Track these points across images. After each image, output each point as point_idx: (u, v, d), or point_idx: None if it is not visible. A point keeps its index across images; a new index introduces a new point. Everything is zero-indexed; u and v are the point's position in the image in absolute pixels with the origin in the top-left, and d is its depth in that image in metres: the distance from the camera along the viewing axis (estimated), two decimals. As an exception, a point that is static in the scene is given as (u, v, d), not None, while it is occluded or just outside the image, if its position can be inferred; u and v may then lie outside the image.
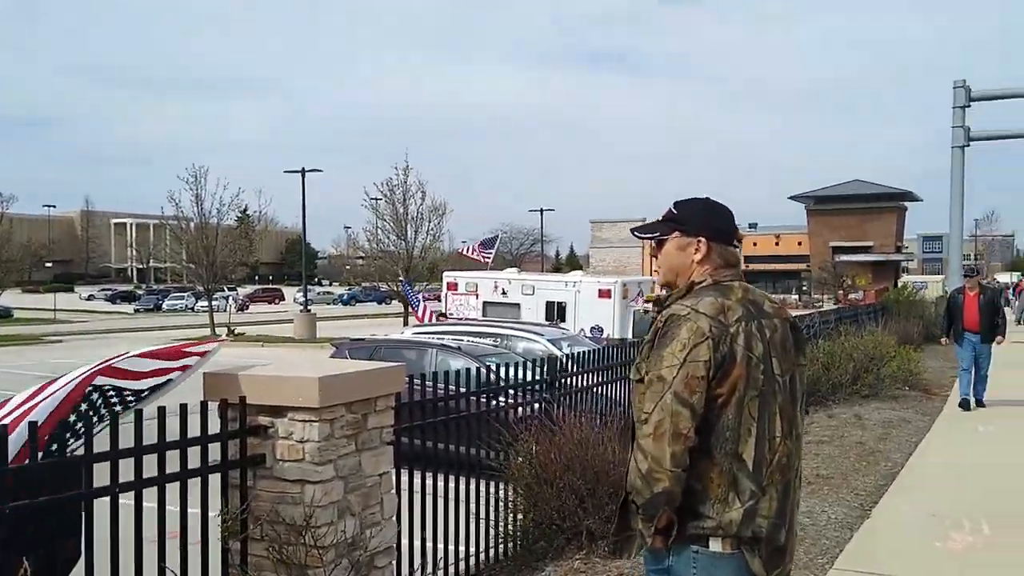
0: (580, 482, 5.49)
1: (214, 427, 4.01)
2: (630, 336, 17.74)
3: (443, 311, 21.24)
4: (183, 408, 4.02)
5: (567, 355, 7.50)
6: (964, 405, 11.97)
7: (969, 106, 28.01)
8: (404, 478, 5.10)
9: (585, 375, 7.41)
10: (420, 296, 19.08)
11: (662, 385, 2.34)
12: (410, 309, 18.79)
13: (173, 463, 3.83)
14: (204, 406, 4.04)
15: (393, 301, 43.17)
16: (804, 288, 68.62)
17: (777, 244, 72.70)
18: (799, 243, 70.44)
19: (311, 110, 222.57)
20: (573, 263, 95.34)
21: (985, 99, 28.14)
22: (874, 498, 7.23)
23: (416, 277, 32.56)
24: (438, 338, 12.93)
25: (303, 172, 39.38)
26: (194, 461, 3.94)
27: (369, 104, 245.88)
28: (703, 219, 2.58)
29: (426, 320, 16.76)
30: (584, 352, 7.62)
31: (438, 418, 5.64)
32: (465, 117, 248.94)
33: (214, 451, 4.01)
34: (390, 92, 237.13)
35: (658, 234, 2.64)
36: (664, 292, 2.65)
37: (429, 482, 5.49)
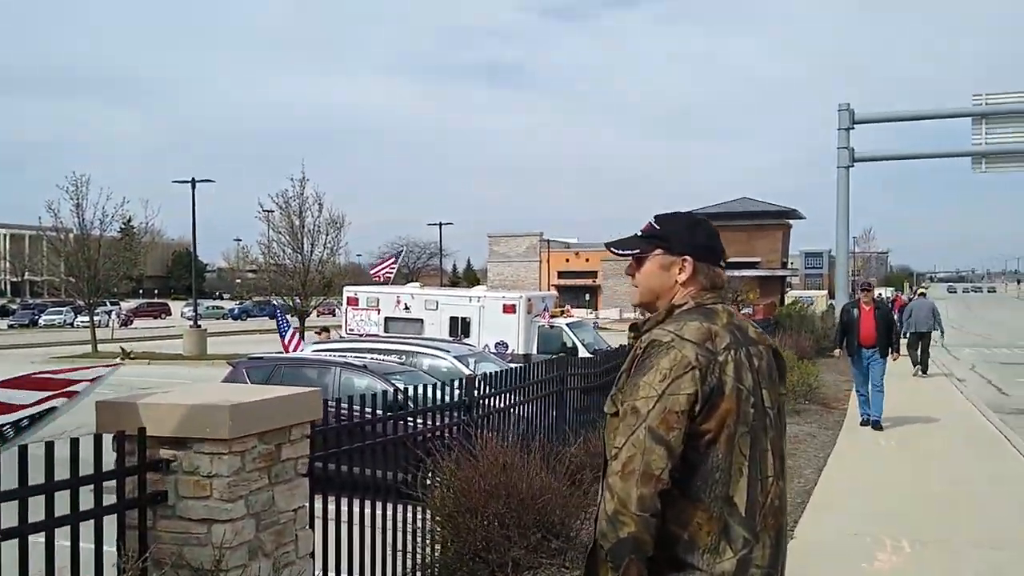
0: (505, 510, 5.22)
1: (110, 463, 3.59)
2: (535, 352, 17.60)
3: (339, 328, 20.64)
4: (74, 443, 3.58)
5: (486, 375, 7.23)
6: (866, 424, 12.11)
7: (853, 128, 29.06)
8: (317, 504, 4.77)
9: (505, 395, 7.15)
10: (288, 322, 18.06)
11: (635, 418, 2.10)
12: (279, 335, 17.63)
13: (64, 504, 3.40)
14: (98, 439, 3.61)
15: (287, 315, 42.09)
16: (696, 302, 70.11)
17: (670, 259, 74.13)
18: (691, 258, 71.99)
19: (202, 119, 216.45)
20: (470, 277, 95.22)
21: (868, 122, 29.23)
22: (794, 516, 7.20)
23: (312, 292, 31.71)
24: (340, 355, 12.47)
25: (193, 182, 38.01)
26: (89, 501, 3.51)
27: (262, 115, 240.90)
28: (688, 236, 2.34)
29: (292, 350, 15.67)
30: (503, 371, 7.36)
31: (354, 445, 5.29)
32: (359, 128, 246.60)
33: (111, 489, 3.58)
34: (282, 104, 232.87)
35: (638, 251, 2.39)
36: (640, 315, 2.40)
37: (344, 508, 5.17)
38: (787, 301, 42.10)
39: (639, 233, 2.42)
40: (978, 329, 42.59)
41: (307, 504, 4.36)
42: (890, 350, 12.40)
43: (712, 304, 2.30)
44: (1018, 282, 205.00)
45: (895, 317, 15.55)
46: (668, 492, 2.09)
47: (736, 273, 66.01)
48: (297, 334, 18.36)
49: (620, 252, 2.42)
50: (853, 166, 28.72)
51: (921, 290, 28.68)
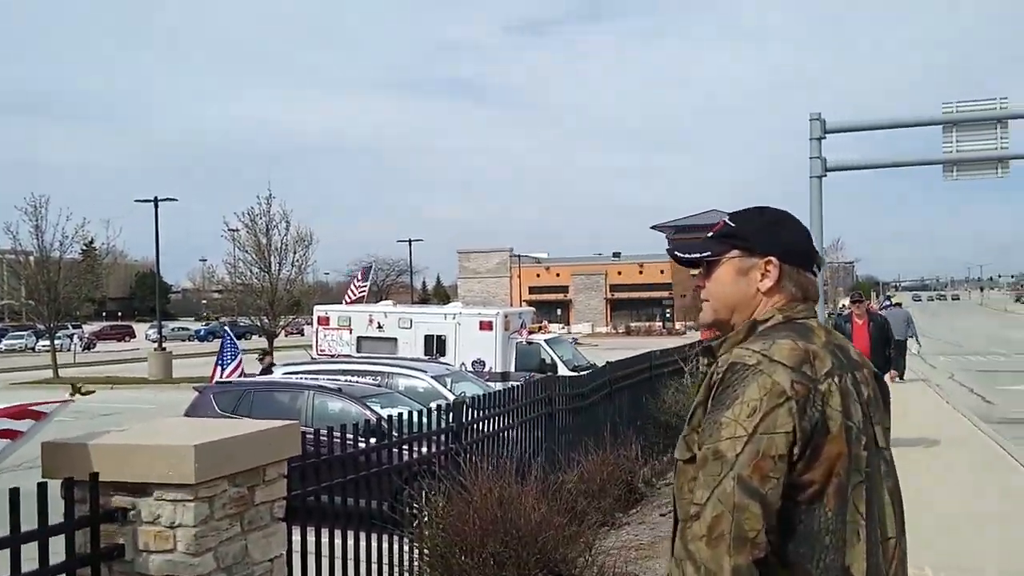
0: (502, 548, 4.76)
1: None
2: (513, 370, 17.15)
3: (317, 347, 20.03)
4: (13, 493, 3.07)
5: (474, 398, 6.77)
6: None
7: (824, 137, 28.98)
8: (295, 536, 4.34)
9: (494, 419, 6.69)
10: (238, 348, 16.89)
11: (720, 465, 1.64)
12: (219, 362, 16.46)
13: (3, 565, 2.92)
14: (42, 488, 3.11)
15: (254, 336, 41.25)
16: (668, 315, 70.17)
17: (641, 272, 74.13)
18: (661, 271, 72.01)
19: (166, 137, 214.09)
20: (440, 294, 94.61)
21: (840, 131, 29.14)
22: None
23: (280, 311, 31.02)
24: (312, 378, 11.95)
25: (156, 201, 37.17)
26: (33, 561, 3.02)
27: (228, 133, 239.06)
28: (772, 234, 1.89)
29: (228, 376, 14.65)
30: (491, 393, 6.91)
31: (335, 481, 4.82)
32: (328, 145, 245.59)
33: (58, 544, 3.10)
34: (249, 121, 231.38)
35: (708, 254, 1.93)
36: (711, 337, 1.94)
37: (325, 539, 4.74)
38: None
39: (710, 234, 1.97)
40: (948, 337, 42.73)
41: (284, 552, 3.89)
42: (888, 368, 11.79)
43: (805, 318, 1.85)
44: (981, 289, 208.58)
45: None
46: (764, 561, 1.63)
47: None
48: (241, 364, 17.16)
49: (687, 258, 1.95)
50: (826, 176, 28.59)
51: (896, 300, 28.59)
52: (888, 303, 31.17)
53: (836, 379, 1.72)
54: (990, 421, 14.15)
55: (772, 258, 1.86)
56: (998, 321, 72.20)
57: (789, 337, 1.76)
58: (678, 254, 1.98)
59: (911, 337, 20.96)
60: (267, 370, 15.80)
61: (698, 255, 1.93)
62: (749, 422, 1.64)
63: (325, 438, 4.85)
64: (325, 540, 4.84)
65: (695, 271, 1.97)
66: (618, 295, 73.86)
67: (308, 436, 4.62)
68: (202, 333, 72.42)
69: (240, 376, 15.75)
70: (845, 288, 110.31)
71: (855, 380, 1.76)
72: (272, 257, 30.48)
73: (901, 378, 19.80)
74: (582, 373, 12.53)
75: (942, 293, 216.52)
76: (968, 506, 8.19)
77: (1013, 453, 10.70)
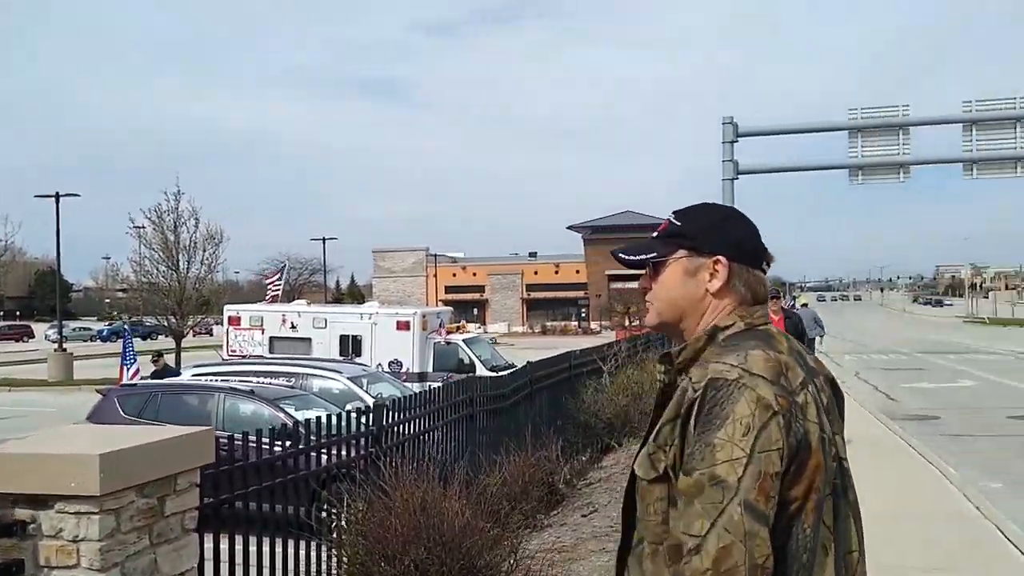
0: (426, 555, 4.63)
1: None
2: (431, 370, 16.96)
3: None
4: None
5: (394, 399, 6.61)
6: None
7: (736, 141, 29.63)
8: (207, 544, 4.15)
9: (415, 421, 6.55)
10: (135, 352, 16.10)
11: (721, 492, 1.52)
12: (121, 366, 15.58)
13: None
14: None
15: (160, 336, 39.98)
16: (583, 315, 70.76)
17: (557, 272, 74.55)
18: (577, 271, 72.57)
19: (68, 132, 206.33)
20: (355, 293, 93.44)
21: (751, 135, 29.85)
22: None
23: (189, 311, 30.10)
24: (223, 380, 11.57)
25: (57, 197, 35.70)
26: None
27: (134, 129, 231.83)
28: (720, 232, 1.79)
29: (128, 380, 13.93)
30: (412, 395, 6.77)
31: (250, 488, 4.62)
32: (242, 143, 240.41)
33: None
34: (159, 118, 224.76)
35: (655, 255, 1.82)
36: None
37: (239, 547, 4.55)
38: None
39: (655, 234, 1.86)
40: (851, 336, 44.21)
41: (196, 565, 3.70)
42: None
43: (764, 324, 1.76)
44: (881, 290, 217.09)
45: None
46: None
47: (621, 285, 67.10)
48: (139, 365, 16.37)
49: (632, 259, 1.84)
50: (738, 178, 29.25)
51: (803, 300, 29.35)
52: (794, 303, 32.01)
53: (809, 390, 1.65)
54: (896, 418, 14.62)
55: (721, 257, 1.76)
56: (900, 321, 75.15)
57: (759, 347, 1.66)
58: (623, 256, 1.87)
59: (820, 336, 21.55)
60: (160, 373, 15.12)
61: (644, 256, 1.83)
62: (745, 441, 1.53)
63: (239, 443, 4.65)
64: (239, 548, 4.65)
65: (641, 271, 1.87)
66: (534, 295, 74.14)
67: (221, 441, 4.42)
68: (105, 333, 69.94)
69: (138, 379, 15.13)
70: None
71: (817, 388, 1.69)
72: (180, 255, 29.51)
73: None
74: (501, 373, 12.46)
75: (845, 294, 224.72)
76: (886, 504, 8.40)
77: (920, 450, 11.05)
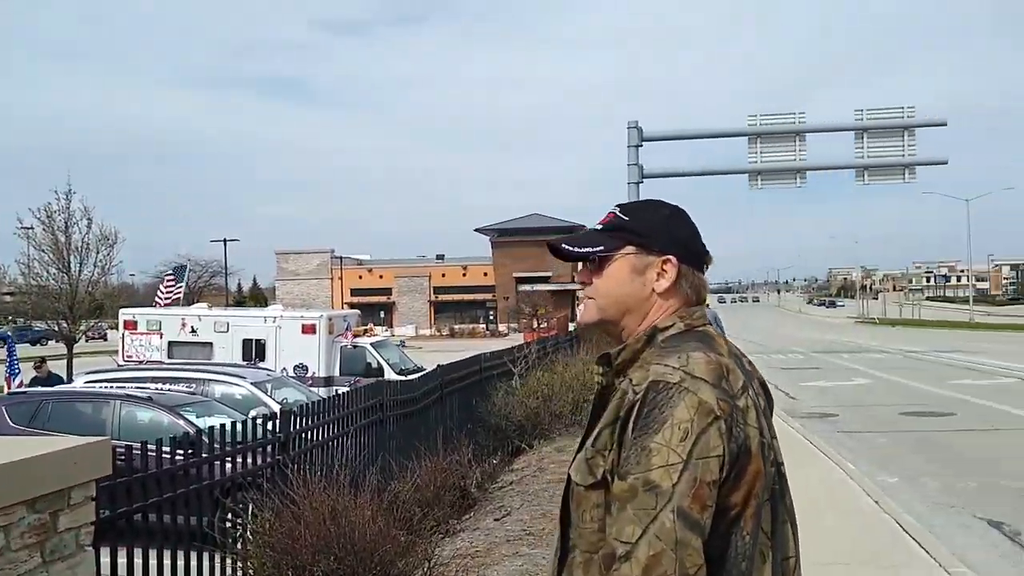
0: (337, 566, 4.49)
1: None
2: (338, 374, 16.65)
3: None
4: None
5: (302, 406, 6.42)
6: None
7: (641, 145, 30.13)
8: (104, 558, 3.94)
9: (324, 427, 6.37)
10: (17, 359, 15.27)
11: (654, 498, 1.46)
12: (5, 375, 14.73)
13: None
14: None
15: (51, 342, 38.30)
16: (492, 318, 70.86)
17: (464, 275, 74.43)
18: (485, 273, 72.60)
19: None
20: (257, 296, 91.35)
21: (655, 139, 30.40)
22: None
23: (81, 315, 28.89)
24: (119, 387, 11.12)
25: (-63, 195, 33.86)
26: None
27: (23, 131, 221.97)
28: (671, 230, 1.73)
29: (16, 389, 13.21)
30: (321, 400, 6.59)
31: (149, 501, 4.41)
32: (139, 142, 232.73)
33: None
34: (52, 115, 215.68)
35: (601, 248, 1.74)
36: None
37: (138, 560, 4.34)
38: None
39: (598, 226, 1.79)
40: (749, 336, 45.40)
41: (93, 584, 3.49)
42: None
43: (703, 326, 1.71)
44: (778, 292, 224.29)
45: None
46: None
47: (529, 287, 67.51)
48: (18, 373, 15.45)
49: (575, 252, 1.76)
50: (643, 182, 29.74)
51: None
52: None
53: (749, 393, 1.61)
54: (796, 416, 15.03)
55: (671, 257, 1.71)
56: (795, 322, 77.63)
57: (700, 349, 1.62)
58: (567, 247, 1.77)
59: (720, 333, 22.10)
60: (44, 380, 14.39)
61: (590, 250, 1.75)
62: (682, 447, 1.48)
63: (138, 453, 4.44)
64: (139, 562, 4.44)
65: (582, 265, 1.80)
66: (442, 297, 73.85)
67: (118, 451, 4.20)
68: (-9, 339, 66.77)
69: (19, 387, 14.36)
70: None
71: (755, 391, 1.65)
72: (72, 257, 28.32)
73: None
74: (411, 377, 12.31)
75: (744, 296, 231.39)
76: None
77: (820, 447, 11.38)
